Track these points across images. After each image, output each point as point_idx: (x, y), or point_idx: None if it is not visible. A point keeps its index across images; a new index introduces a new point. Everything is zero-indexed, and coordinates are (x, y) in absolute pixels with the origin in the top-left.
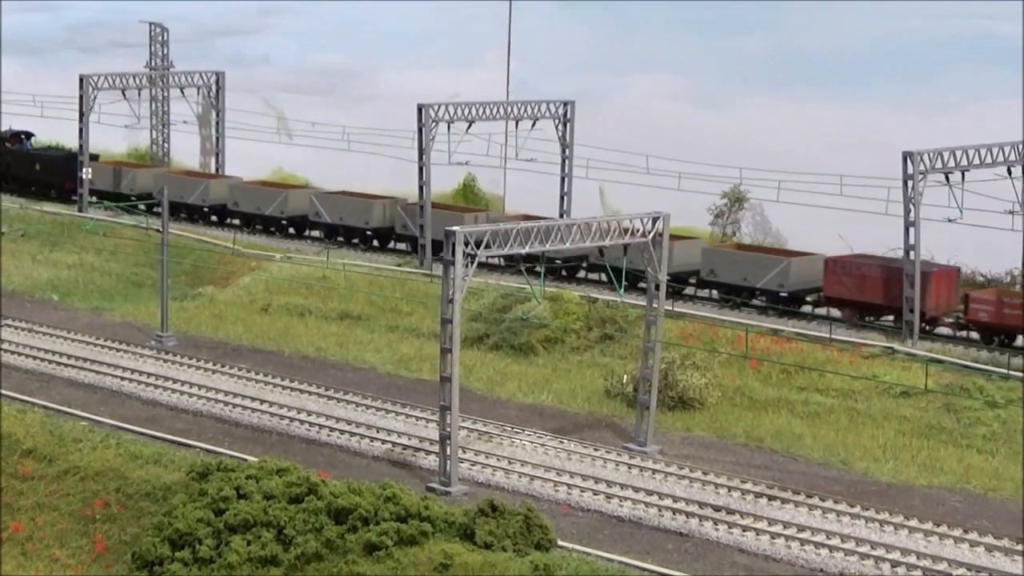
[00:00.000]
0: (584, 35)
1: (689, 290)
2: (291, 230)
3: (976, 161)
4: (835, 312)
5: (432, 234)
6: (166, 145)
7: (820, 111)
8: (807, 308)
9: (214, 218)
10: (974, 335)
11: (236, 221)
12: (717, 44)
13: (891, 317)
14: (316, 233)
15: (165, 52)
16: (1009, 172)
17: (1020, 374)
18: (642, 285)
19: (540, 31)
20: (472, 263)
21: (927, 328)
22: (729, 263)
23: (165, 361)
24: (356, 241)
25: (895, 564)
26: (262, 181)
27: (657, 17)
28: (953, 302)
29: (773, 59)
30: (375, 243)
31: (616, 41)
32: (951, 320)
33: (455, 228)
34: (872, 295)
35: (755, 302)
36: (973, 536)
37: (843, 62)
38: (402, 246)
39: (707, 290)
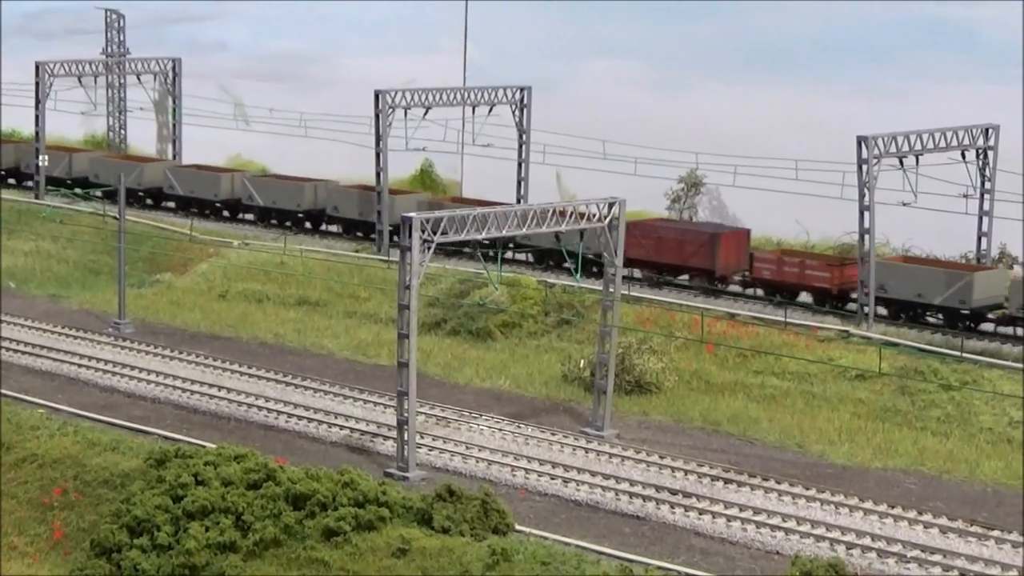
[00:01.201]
0: (540, 21)
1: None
2: (225, 213)
3: (930, 145)
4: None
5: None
6: (123, 132)
7: (776, 96)
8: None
9: (149, 201)
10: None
11: (172, 204)
12: (673, 29)
13: (686, 276)
14: (250, 216)
15: (121, 39)
16: (963, 156)
17: (979, 357)
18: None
19: (497, 17)
20: (429, 249)
21: (718, 286)
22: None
23: (123, 348)
24: (288, 224)
25: (850, 546)
26: (197, 165)
27: (613, 3)
28: (742, 262)
29: (729, 44)
30: (307, 225)
31: (572, 27)
32: (739, 278)
33: (412, 214)
34: (669, 256)
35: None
36: (927, 518)
37: (799, 47)
38: (334, 228)
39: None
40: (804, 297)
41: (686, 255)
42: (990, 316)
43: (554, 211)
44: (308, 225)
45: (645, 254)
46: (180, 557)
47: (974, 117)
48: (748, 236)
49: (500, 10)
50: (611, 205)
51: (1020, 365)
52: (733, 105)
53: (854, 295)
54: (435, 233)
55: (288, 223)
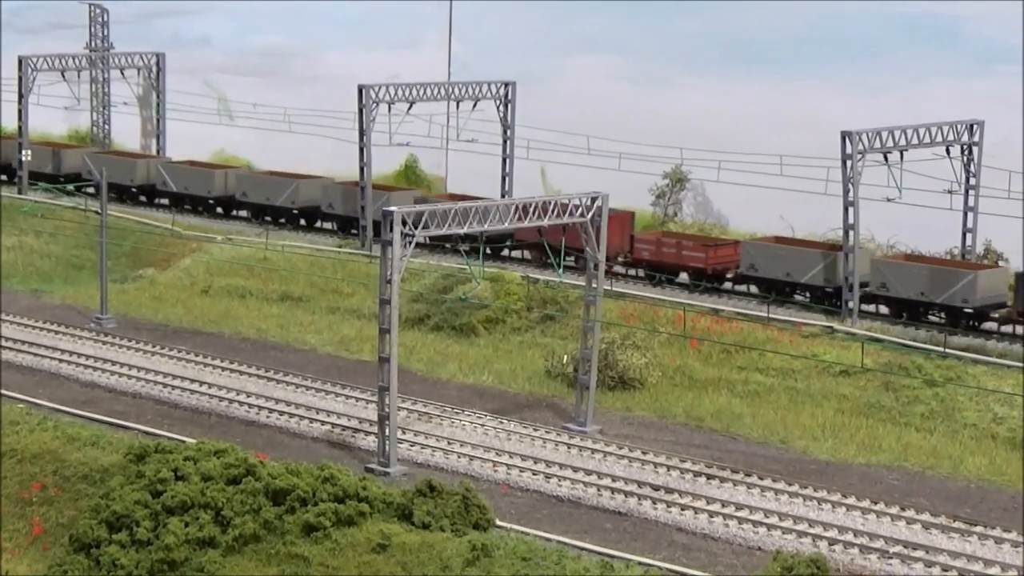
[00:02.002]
0: (525, 16)
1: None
2: (142, 198)
3: (915, 141)
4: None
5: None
6: (106, 127)
7: (760, 92)
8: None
9: (70, 187)
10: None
11: (91, 190)
12: (658, 25)
13: (572, 258)
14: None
15: (105, 33)
16: (947, 152)
17: (963, 354)
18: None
19: (481, 12)
20: (410, 243)
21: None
22: None
23: (104, 343)
24: (201, 209)
25: (832, 542)
26: (117, 151)
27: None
28: (624, 244)
29: (713, 40)
30: (219, 211)
31: (556, 22)
32: (621, 259)
33: (392, 208)
34: (553, 238)
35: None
36: (910, 514)
37: (783, 43)
38: (243, 213)
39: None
40: (684, 278)
41: (570, 238)
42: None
43: (536, 205)
44: (220, 211)
45: (534, 235)
46: (159, 552)
47: (958, 113)
48: (632, 219)
49: (484, 5)
50: (593, 200)
51: (1004, 361)
52: (718, 101)
53: (729, 275)
54: (416, 227)
55: (200, 208)
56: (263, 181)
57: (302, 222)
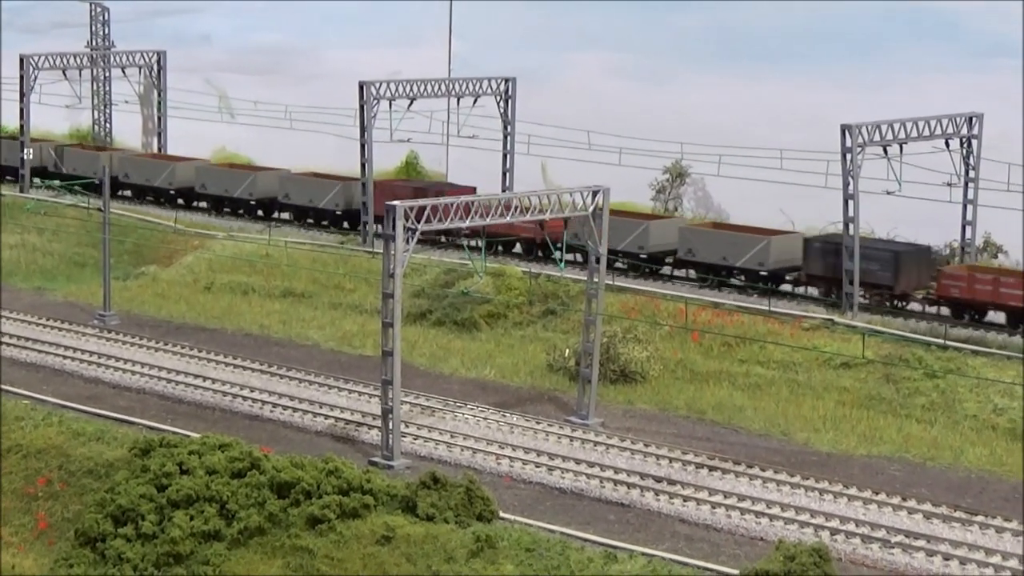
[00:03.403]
0: (525, 13)
1: None
2: (259, 212)
3: (914, 134)
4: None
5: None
6: (108, 125)
7: (760, 86)
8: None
9: (37, 180)
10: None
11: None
12: (658, 20)
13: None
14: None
15: (106, 32)
16: (947, 145)
17: (963, 345)
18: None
19: (481, 8)
20: (413, 238)
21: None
22: None
23: (108, 340)
24: (163, 201)
25: (834, 532)
26: (82, 144)
27: None
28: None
29: (713, 35)
30: (180, 202)
31: (557, 18)
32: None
33: (395, 203)
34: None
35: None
36: (911, 504)
37: (783, 38)
38: (203, 204)
39: None
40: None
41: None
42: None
43: (538, 199)
44: (180, 202)
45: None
46: (164, 546)
47: (958, 106)
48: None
49: (484, 2)
50: (595, 194)
51: (1004, 352)
52: (717, 95)
53: (557, 244)
54: (419, 221)
55: (162, 199)
56: (222, 173)
57: (259, 213)
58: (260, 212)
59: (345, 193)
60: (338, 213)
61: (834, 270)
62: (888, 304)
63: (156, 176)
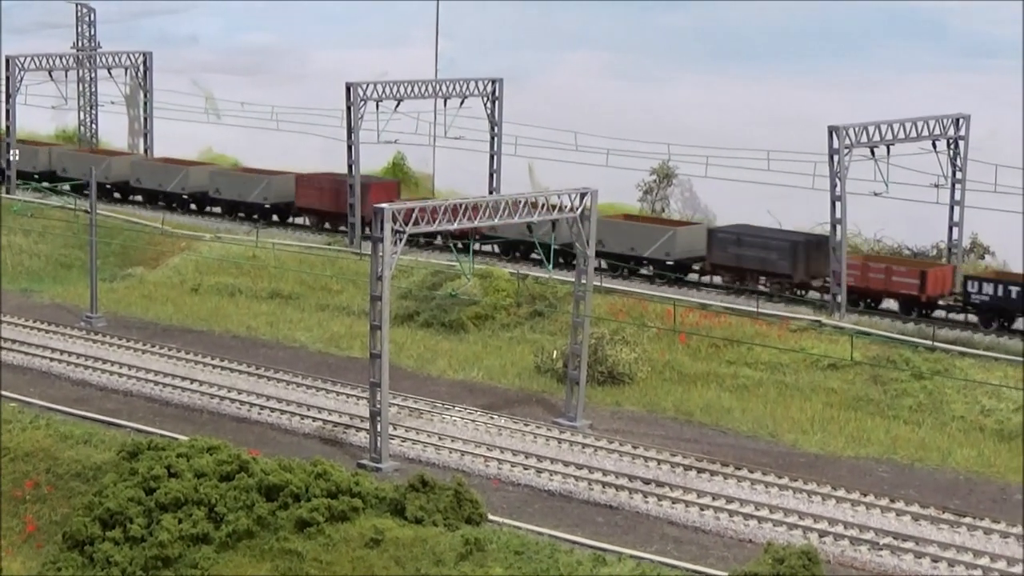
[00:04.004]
0: (512, 13)
1: None
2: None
3: (901, 135)
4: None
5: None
6: (94, 126)
7: (747, 87)
8: None
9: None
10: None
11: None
12: (646, 21)
13: (343, 227)
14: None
15: (92, 33)
16: (934, 146)
17: (950, 347)
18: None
19: (468, 9)
20: (401, 240)
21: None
22: None
23: (95, 342)
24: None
25: (823, 534)
26: (20, 139)
27: None
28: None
29: (700, 36)
30: (116, 196)
31: (544, 19)
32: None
33: (383, 205)
34: (329, 204)
35: None
36: (900, 505)
37: (770, 39)
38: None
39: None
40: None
41: (342, 202)
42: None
43: (526, 201)
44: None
45: (315, 203)
46: (153, 549)
47: (944, 106)
48: (398, 187)
49: (472, 2)
50: (583, 196)
51: (991, 354)
52: (705, 96)
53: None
54: (407, 224)
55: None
56: (155, 168)
57: (192, 207)
58: (193, 206)
59: (273, 187)
60: (267, 207)
61: (736, 259)
62: (789, 293)
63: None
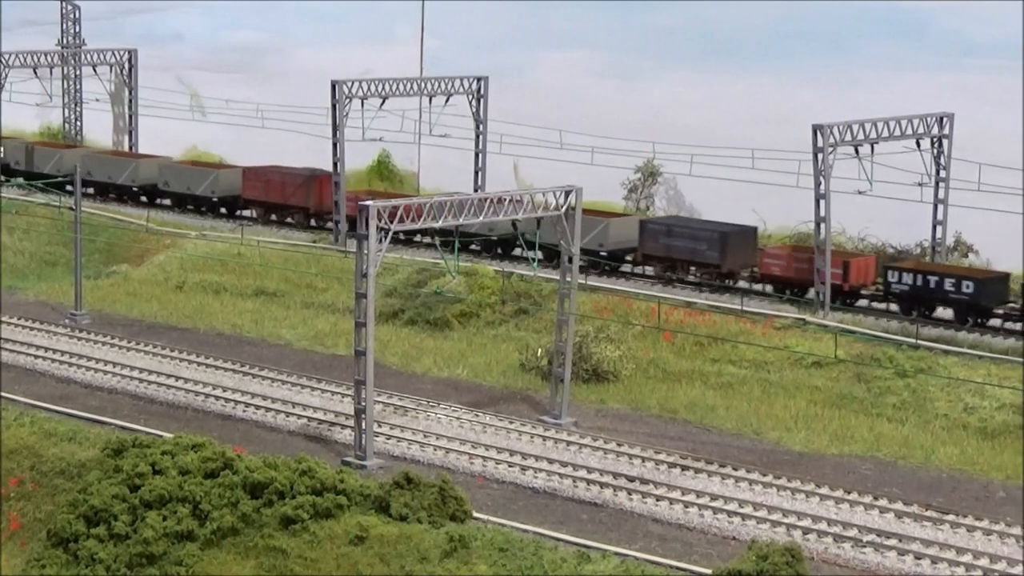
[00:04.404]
0: (498, 11)
1: None
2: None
3: (885, 134)
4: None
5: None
6: (79, 123)
7: (732, 86)
8: None
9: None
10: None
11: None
12: (631, 19)
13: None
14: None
15: (77, 30)
16: (918, 145)
17: (934, 344)
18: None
19: (454, 7)
20: (386, 237)
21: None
22: None
23: (79, 339)
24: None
25: (806, 531)
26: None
27: None
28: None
29: (686, 34)
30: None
31: (530, 17)
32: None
33: (368, 202)
34: (275, 196)
35: None
36: (883, 503)
37: (755, 37)
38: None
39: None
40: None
41: (287, 195)
42: (628, 258)
43: (511, 199)
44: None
45: (261, 196)
46: (137, 546)
47: (929, 106)
48: (331, 179)
49: (457, 1)
50: (567, 194)
51: (975, 352)
52: (690, 95)
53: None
54: (392, 221)
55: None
56: (105, 161)
57: (143, 199)
58: (144, 199)
59: (221, 181)
60: (215, 200)
61: (666, 250)
62: (718, 282)
63: (45, 164)
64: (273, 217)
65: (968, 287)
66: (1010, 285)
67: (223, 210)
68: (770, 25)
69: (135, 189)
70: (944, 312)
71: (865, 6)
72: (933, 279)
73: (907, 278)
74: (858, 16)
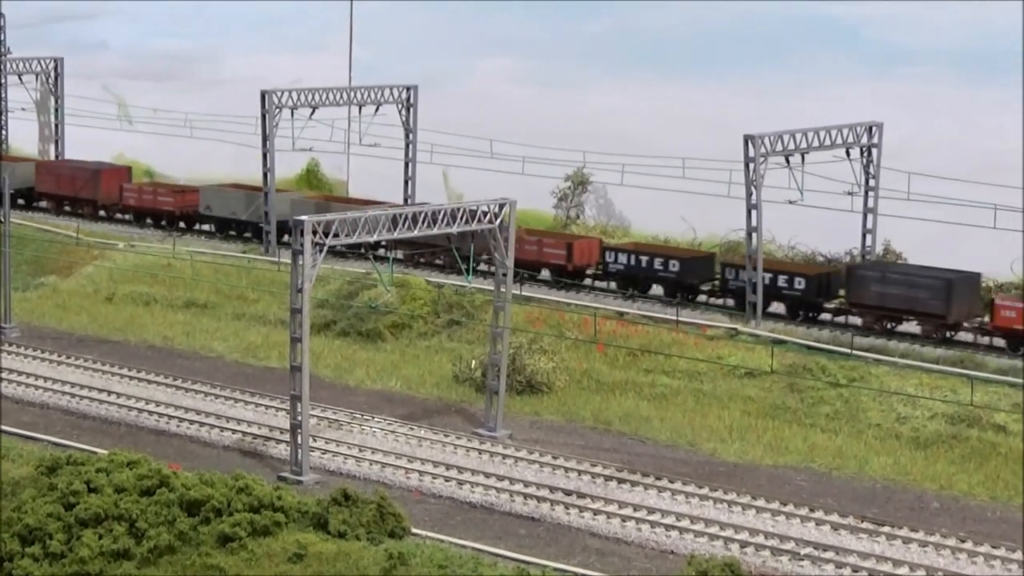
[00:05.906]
0: (428, 19)
1: None
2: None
3: (816, 143)
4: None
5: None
6: (4, 132)
7: (664, 94)
8: None
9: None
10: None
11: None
12: (563, 27)
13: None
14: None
15: (1, 38)
16: (847, 154)
17: (866, 354)
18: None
19: (383, 15)
20: (321, 252)
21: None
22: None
23: (8, 353)
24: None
25: (744, 544)
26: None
27: (500, 1)
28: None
29: (617, 42)
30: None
31: (459, 24)
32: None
33: (304, 217)
34: (66, 189)
35: None
36: (819, 514)
37: (686, 46)
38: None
39: None
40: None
41: (77, 188)
42: (828, 305)
43: (445, 212)
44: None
45: (53, 188)
46: (73, 565)
47: (858, 114)
48: (129, 172)
49: (386, 8)
50: (501, 206)
51: (906, 361)
52: (621, 103)
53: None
54: (327, 236)
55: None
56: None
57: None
58: (20, 200)
59: (17, 174)
60: (11, 192)
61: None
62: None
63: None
64: (67, 208)
65: (675, 266)
66: (715, 265)
67: (20, 201)
68: (702, 33)
69: (12, 192)
70: (656, 289)
71: (799, 15)
72: (644, 259)
73: (622, 258)
74: (790, 25)
